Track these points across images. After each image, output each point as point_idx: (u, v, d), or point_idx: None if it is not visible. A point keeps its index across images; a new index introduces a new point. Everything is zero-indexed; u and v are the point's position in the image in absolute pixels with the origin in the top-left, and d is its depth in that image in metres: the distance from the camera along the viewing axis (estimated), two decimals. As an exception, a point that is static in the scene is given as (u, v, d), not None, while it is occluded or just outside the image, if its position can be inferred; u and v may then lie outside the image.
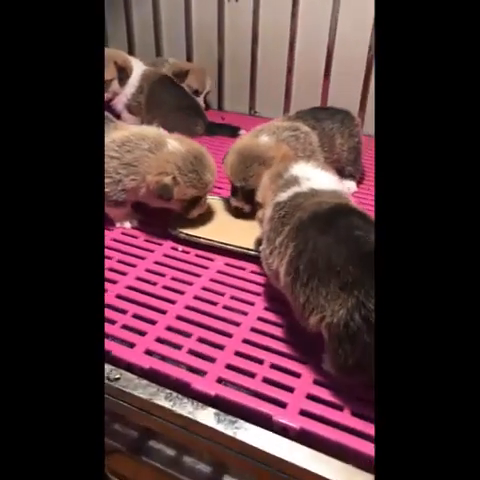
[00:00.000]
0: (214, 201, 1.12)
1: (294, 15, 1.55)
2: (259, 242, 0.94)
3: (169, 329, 0.78)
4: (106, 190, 0.96)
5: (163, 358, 0.73)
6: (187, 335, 0.77)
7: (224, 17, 1.67)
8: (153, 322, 0.79)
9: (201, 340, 0.76)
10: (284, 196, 0.78)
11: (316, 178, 0.79)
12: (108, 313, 0.80)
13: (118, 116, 1.49)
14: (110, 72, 1.44)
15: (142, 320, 0.80)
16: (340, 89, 1.59)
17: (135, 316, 0.80)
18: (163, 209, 1.01)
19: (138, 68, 1.48)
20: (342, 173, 1.19)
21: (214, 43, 1.71)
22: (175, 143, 0.96)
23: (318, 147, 1.09)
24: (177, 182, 0.92)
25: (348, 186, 1.19)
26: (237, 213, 1.06)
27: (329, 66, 1.58)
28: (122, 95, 1.48)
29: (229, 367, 0.71)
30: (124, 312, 0.81)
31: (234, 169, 1.00)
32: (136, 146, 0.95)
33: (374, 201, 0.42)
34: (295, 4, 1.53)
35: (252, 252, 0.94)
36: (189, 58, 1.77)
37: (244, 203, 1.03)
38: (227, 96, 1.80)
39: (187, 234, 0.99)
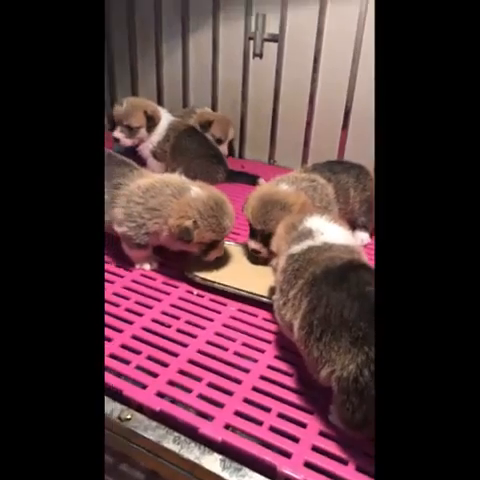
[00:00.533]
0: (231, 247, 1.15)
1: (315, 71, 1.63)
2: (273, 290, 0.97)
3: (181, 372, 0.80)
4: (130, 233, 1.01)
5: (173, 401, 0.75)
6: (198, 379, 0.79)
7: (248, 74, 1.76)
8: (166, 364, 0.81)
9: (211, 385, 0.78)
10: (298, 249, 0.81)
11: (330, 232, 0.83)
12: (123, 353, 0.83)
13: (144, 162, 1.57)
14: (139, 120, 1.53)
15: (155, 362, 0.82)
16: (356, 142, 1.65)
17: (149, 357, 0.83)
18: (181, 252, 1.05)
19: (165, 118, 1.57)
20: (355, 224, 1.22)
21: (238, 98, 1.81)
22: (197, 189, 1.02)
23: (333, 198, 1.14)
24: (197, 226, 0.97)
25: (361, 237, 1.23)
26: (254, 259, 1.10)
27: (347, 120, 1.64)
28: (148, 142, 1.56)
29: (237, 413, 0.73)
30: (138, 353, 0.84)
31: (255, 212, 1.05)
32: (160, 192, 1.01)
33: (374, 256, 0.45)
34: (316, 61, 1.62)
35: (265, 299, 0.97)
36: (214, 111, 1.86)
37: (262, 246, 1.06)
38: (248, 146, 1.87)
39: (202, 278, 1.03)
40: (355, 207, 1.20)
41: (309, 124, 1.72)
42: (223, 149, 1.70)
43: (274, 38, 1.66)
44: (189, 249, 1.03)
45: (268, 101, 1.75)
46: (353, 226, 1.22)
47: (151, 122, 1.54)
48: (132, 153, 1.56)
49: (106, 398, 0.74)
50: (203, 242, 1.00)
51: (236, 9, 1.70)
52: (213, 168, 1.53)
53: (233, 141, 1.83)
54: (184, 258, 1.07)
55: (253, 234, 1.08)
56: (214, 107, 1.86)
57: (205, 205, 0.98)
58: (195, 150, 1.51)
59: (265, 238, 1.04)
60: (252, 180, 1.55)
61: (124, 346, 0.85)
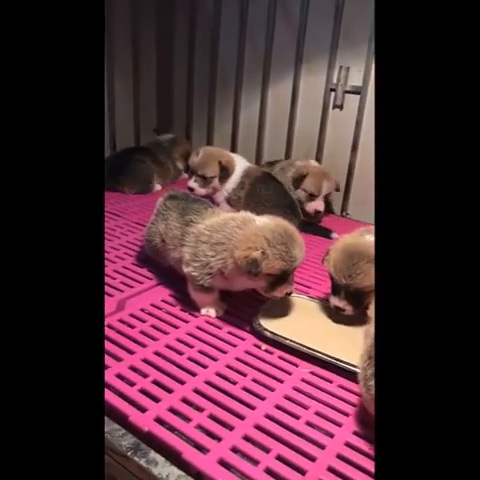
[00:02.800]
0: (302, 300, 1.07)
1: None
2: (346, 353, 0.87)
3: (246, 439, 0.71)
4: (194, 274, 0.96)
5: (236, 471, 0.65)
6: (266, 450, 0.69)
7: (326, 126, 1.73)
8: (230, 427, 0.72)
9: (280, 458, 0.68)
10: None
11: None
12: (184, 408, 0.75)
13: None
14: (213, 170, 1.52)
15: (218, 423, 0.73)
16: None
17: (211, 417, 0.74)
18: (250, 296, 0.98)
19: (240, 166, 1.55)
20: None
21: (313, 148, 1.77)
22: (264, 219, 0.96)
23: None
24: (266, 256, 0.90)
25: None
26: (336, 316, 1.00)
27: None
28: (223, 190, 1.54)
29: (310, 499, 0.62)
30: (201, 410, 0.75)
31: (339, 265, 0.96)
32: (225, 225, 0.96)
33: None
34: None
35: (344, 364, 0.86)
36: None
37: (346, 303, 0.97)
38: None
39: (273, 332, 0.94)
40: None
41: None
42: (318, 204, 1.59)
43: (357, 90, 1.63)
44: (256, 284, 0.96)
45: (345, 153, 1.70)
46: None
47: (225, 172, 1.52)
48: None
49: (163, 460, 0.66)
50: (271, 274, 0.93)
51: (319, 62, 1.70)
52: (286, 218, 1.46)
53: (330, 196, 1.68)
54: (253, 308, 1.00)
55: (336, 289, 0.99)
56: (288, 157, 1.83)
57: (273, 233, 0.92)
58: (270, 198, 1.46)
59: (351, 294, 0.95)
60: (325, 233, 1.48)
61: (185, 400, 0.77)
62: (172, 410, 0.75)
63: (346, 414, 0.77)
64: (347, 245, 0.99)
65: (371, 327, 0.74)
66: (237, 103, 1.93)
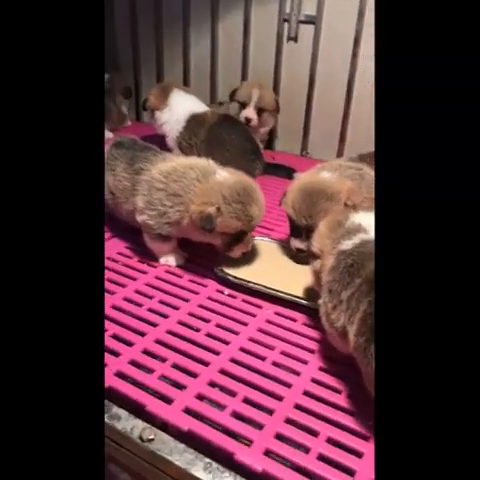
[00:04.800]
0: (265, 243, 1.04)
1: (355, 55, 1.51)
2: (309, 292, 0.86)
3: (212, 385, 0.69)
4: (150, 223, 0.91)
5: (203, 419, 0.64)
6: (232, 394, 0.68)
7: (281, 60, 1.65)
8: (194, 375, 0.70)
9: (247, 401, 0.67)
10: (349, 244, 0.70)
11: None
12: (145, 360, 0.73)
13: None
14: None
15: (182, 372, 0.71)
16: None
17: (175, 366, 0.72)
18: (209, 246, 0.94)
19: (185, 106, 1.46)
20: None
21: (269, 84, 1.69)
22: (225, 174, 0.91)
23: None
24: (221, 213, 0.86)
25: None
26: (295, 258, 0.98)
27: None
28: (168, 131, 1.46)
29: (279, 437, 0.62)
30: (163, 360, 0.73)
31: (298, 206, 0.93)
32: (183, 175, 0.90)
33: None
34: (356, 45, 1.49)
35: (306, 302, 0.85)
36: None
37: (307, 244, 0.94)
38: (279, 136, 1.75)
39: (235, 277, 0.91)
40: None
41: (346, 114, 1.59)
42: (248, 112, 1.52)
43: (311, 20, 1.54)
44: (212, 241, 0.92)
45: (302, 88, 1.63)
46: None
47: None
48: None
49: (126, 414, 0.64)
50: (227, 232, 0.89)
51: (270, -11, 1.59)
52: (251, 166, 1.40)
53: (264, 110, 1.57)
54: (214, 254, 0.96)
55: (296, 231, 0.96)
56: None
57: (231, 190, 0.87)
58: (233, 142, 1.38)
59: (312, 234, 0.93)
60: (287, 173, 1.43)
61: (146, 352, 0.75)
62: (133, 363, 0.72)
63: (311, 351, 0.77)
64: (304, 184, 0.95)
65: (326, 260, 0.72)
66: (186, 41, 1.81)
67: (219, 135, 1.40)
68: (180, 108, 1.46)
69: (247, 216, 0.88)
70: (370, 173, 1.01)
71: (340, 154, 1.64)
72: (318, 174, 0.98)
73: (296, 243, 0.96)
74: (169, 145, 1.48)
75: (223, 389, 0.69)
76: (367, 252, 0.65)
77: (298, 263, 0.97)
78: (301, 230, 0.95)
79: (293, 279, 0.91)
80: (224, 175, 0.91)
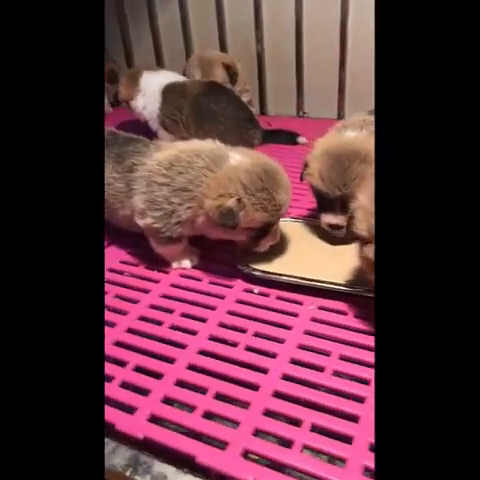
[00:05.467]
0: (288, 224, 0.90)
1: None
2: (356, 277, 0.73)
3: (266, 414, 0.57)
4: (157, 226, 0.76)
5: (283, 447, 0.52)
6: (296, 422, 0.55)
7: (261, 11, 1.46)
8: (245, 405, 0.58)
9: (315, 428, 0.54)
10: None
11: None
12: (183, 395, 0.60)
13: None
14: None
15: (228, 402, 0.58)
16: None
17: (218, 396, 0.59)
18: (227, 241, 0.80)
19: (156, 79, 1.31)
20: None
21: (251, 40, 1.51)
22: (238, 156, 0.76)
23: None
24: (243, 205, 0.71)
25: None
26: (330, 237, 0.84)
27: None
28: (144, 111, 1.30)
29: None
30: (204, 392, 0.60)
31: (327, 175, 0.78)
32: (189, 165, 0.75)
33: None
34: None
35: (355, 290, 0.72)
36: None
37: (344, 218, 0.80)
38: (270, 99, 1.59)
39: (263, 271, 0.78)
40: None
41: (342, 64, 1.43)
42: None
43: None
44: (236, 238, 0.78)
45: (289, 41, 1.46)
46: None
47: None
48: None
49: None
50: (253, 227, 0.75)
51: None
52: (250, 135, 1.24)
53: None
54: (233, 247, 0.82)
55: (328, 205, 0.82)
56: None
57: (251, 175, 0.72)
58: (224, 112, 1.22)
59: (347, 208, 0.79)
60: (290, 138, 1.28)
61: (181, 383, 0.62)
62: (168, 401, 0.59)
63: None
64: (329, 149, 0.80)
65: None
66: (151, 11, 1.61)
67: (207, 106, 1.24)
68: (152, 85, 1.30)
69: (275, 205, 0.74)
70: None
71: (341, 110, 1.49)
72: (341, 135, 0.83)
73: (329, 219, 0.82)
74: (153, 129, 1.32)
75: (277, 415, 0.57)
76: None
77: (333, 243, 0.84)
78: (334, 203, 0.81)
79: (333, 264, 0.78)
80: (238, 158, 0.76)
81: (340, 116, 1.49)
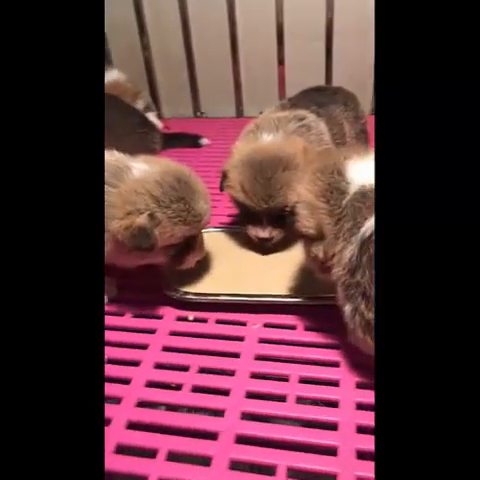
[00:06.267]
0: (210, 235, 0.81)
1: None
2: (298, 285, 0.67)
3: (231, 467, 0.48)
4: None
5: None
6: (267, 470, 0.47)
7: (143, 13, 1.35)
8: (207, 460, 0.48)
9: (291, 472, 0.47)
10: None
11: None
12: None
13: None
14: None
15: (182, 461, 0.48)
16: (298, 71, 1.34)
17: (169, 457, 0.49)
18: (146, 266, 0.69)
19: None
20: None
21: (136, 44, 1.39)
22: (142, 166, 0.65)
23: (329, 138, 0.83)
24: (157, 220, 0.61)
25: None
26: (260, 249, 0.77)
27: (281, 48, 1.32)
28: None
29: None
30: (151, 455, 0.49)
31: (250, 187, 0.71)
32: None
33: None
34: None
35: (304, 300, 0.65)
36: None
37: (271, 229, 0.74)
38: (165, 101, 1.48)
39: (197, 294, 0.68)
40: (352, 143, 0.90)
41: (236, 60, 1.37)
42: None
43: None
44: (155, 260, 0.67)
45: (175, 36, 1.36)
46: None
47: None
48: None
49: None
50: (173, 244, 0.65)
51: None
52: (147, 140, 1.12)
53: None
54: (155, 269, 0.72)
55: (254, 218, 0.74)
56: (108, 58, 1.42)
57: (162, 186, 0.63)
58: (113, 122, 1.09)
59: (276, 218, 0.72)
60: (193, 141, 1.19)
61: (119, 447, 0.50)
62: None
63: (342, 365, 0.58)
64: (248, 156, 0.73)
65: (340, 249, 0.53)
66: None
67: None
68: None
69: (195, 216, 0.64)
70: (313, 120, 0.81)
71: (239, 106, 1.43)
72: (258, 139, 0.76)
73: (257, 232, 0.75)
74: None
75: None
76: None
77: (263, 253, 0.77)
78: (260, 215, 0.73)
79: (269, 274, 0.71)
80: (142, 167, 0.65)
81: (239, 112, 1.43)
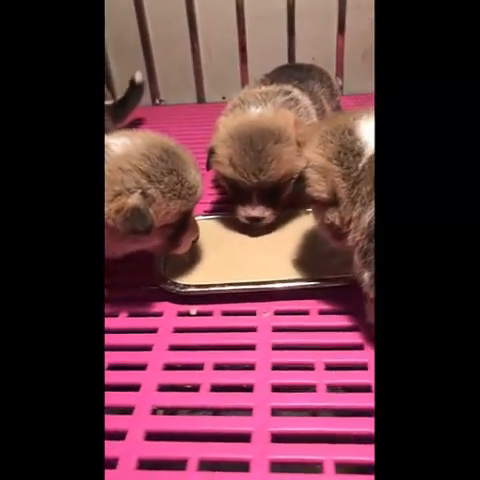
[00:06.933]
0: (203, 223, 0.76)
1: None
2: (304, 268, 0.63)
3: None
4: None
5: None
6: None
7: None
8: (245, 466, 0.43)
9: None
10: None
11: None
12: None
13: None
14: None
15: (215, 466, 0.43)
16: (260, 54, 1.30)
17: (201, 465, 0.44)
18: (132, 260, 0.63)
19: None
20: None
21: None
22: (123, 140, 0.59)
23: (314, 112, 0.80)
24: (152, 197, 0.55)
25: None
26: (251, 230, 0.72)
27: (242, 31, 1.27)
28: None
29: None
30: (182, 467, 0.44)
31: (240, 161, 0.67)
32: None
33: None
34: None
35: (313, 283, 0.62)
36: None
37: (265, 208, 0.70)
38: (119, 88, 1.39)
39: (200, 286, 0.63)
40: (330, 118, 0.88)
41: (194, 41, 1.31)
42: None
43: None
44: (150, 245, 0.61)
45: (126, 18, 1.28)
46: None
47: None
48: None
49: None
50: (169, 223, 0.59)
51: None
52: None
53: None
54: (145, 259, 0.65)
55: (244, 196, 0.70)
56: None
57: (151, 159, 0.57)
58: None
59: (265, 194, 0.68)
60: (133, 88, 1.15)
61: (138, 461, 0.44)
62: None
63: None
64: (236, 131, 0.68)
65: (349, 212, 0.50)
66: None
67: None
68: None
69: (190, 188, 0.59)
70: (297, 94, 0.78)
71: (201, 94, 1.37)
72: (245, 112, 0.72)
73: (248, 211, 0.70)
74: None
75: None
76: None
77: (256, 235, 0.72)
78: (251, 192, 0.69)
79: (269, 259, 0.67)
80: (124, 142, 0.58)
81: (200, 99, 1.37)
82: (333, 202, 0.52)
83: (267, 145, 0.66)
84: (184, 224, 0.62)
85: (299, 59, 1.31)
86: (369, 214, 0.48)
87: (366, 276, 0.49)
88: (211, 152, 0.71)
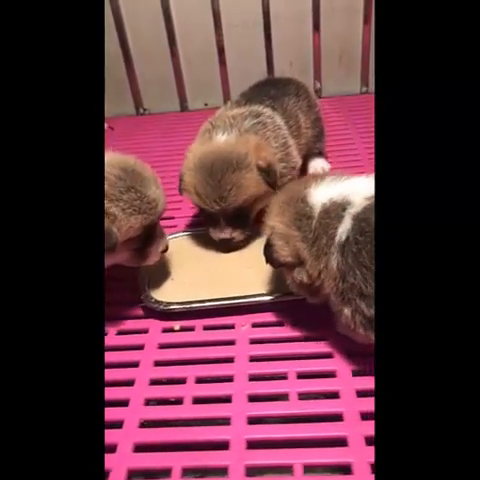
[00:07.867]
0: (180, 240, 0.80)
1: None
2: (277, 283, 0.68)
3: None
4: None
5: None
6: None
7: None
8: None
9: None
10: (345, 229, 0.53)
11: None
12: None
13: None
14: None
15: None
16: (239, 60, 1.33)
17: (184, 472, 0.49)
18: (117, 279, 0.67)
19: None
20: (310, 151, 0.95)
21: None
22: None
23: (287, 131, 0.84)
24: (113, 215, 0.59)
25: (322, 166, 0.97)
26: (224, 247, 0.77)
27: (220, 38, 1.30)
28: None
29: None
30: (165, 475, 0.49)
31: (202, 190, 0.72)
32: None
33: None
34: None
35: (286, 297, 0.66)
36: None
37: (232, 230, 0.75)
38: (105, 99, 1.42)
39: (180, 303, 0.67)
40: (308, 133, 0.91)
41: (174, 53, 1.33)
42: None
43: None
44: (118, 260, 0.65)
45: (109, 33, 1.31)
46: (307, 156, 0.96)
47: None
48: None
49: None
50: (132, 238, 0.63)
51: None
52: None
53: None
54: (127, 278, 0.70)
55: (212, 220, 0.75)
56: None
57: (107, 179, 0.60)
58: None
59: (233, 218, 0.74)
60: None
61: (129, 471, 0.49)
62: None
63: (347, 354, 0.60)
64: (201, 160, 0.73)
65: (314, 267, 0.55)
66: None
67: None
68: None
69: (149, 203, 0.63)
70: (269, 115, 0.82)
71: (184, 101, 1.40)
72: (211, 139, 0.76)
73: (217, 234, 0.76)
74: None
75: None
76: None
77: (230, 251, 0.77)
78: (218, 217, 0.74)
79: (246, 274, 0.71)
80: None
81: (183, 107, 1.40)
82: (298, 263, 0.56)
83: (226, 174, 0.71)
84: (150, 236, 0.66)
85: (277, 63, 1.34)
86: (334, 258, 0.52)
87: (346, 312, 0.53)
88: (181, 179, 0.76)
